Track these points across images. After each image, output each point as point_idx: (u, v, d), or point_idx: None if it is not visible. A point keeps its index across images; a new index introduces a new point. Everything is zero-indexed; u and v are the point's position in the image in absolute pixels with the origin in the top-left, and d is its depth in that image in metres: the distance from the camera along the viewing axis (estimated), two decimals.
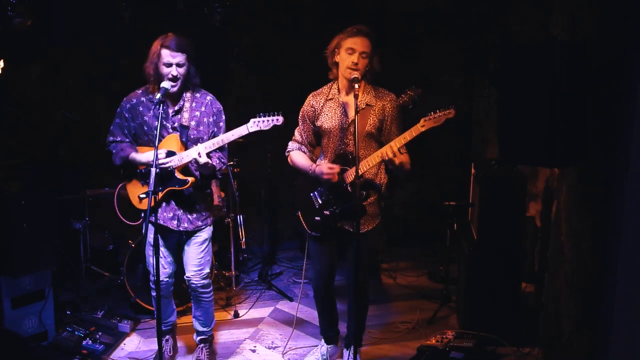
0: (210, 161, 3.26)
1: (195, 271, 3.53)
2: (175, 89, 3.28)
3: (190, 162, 3.29)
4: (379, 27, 3.39)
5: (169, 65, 3.23)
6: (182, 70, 3.27)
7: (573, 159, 2.81)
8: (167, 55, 3.22)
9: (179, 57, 3.23)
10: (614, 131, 2.52)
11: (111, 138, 3.48)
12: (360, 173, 3.16)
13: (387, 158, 3.11)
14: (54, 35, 4.64)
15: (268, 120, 3.20)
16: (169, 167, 3.30)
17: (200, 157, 3.20)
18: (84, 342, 3.88)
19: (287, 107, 3.85)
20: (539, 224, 4.32)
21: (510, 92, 2.91)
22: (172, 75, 3.23)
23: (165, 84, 3.19)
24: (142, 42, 3.40)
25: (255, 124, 3.21)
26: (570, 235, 3.30)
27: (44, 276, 3.93)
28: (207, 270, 3.57)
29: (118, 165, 3.45)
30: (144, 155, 3.36)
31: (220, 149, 3.43)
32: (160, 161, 3.18)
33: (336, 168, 3.26)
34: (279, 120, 3.21)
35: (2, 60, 4.29)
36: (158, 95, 3.09)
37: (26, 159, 4.96)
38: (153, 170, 2.93)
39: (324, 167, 3.28)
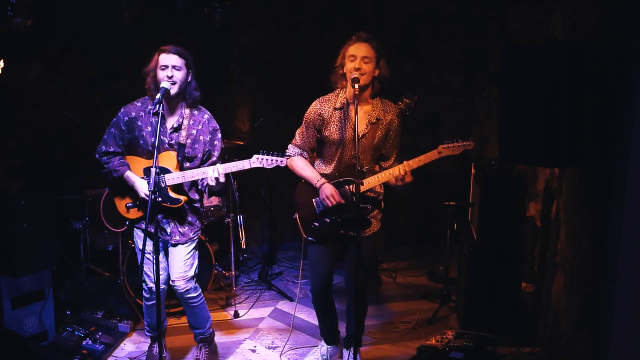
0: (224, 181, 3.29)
1: (179, 274, 3.50)
2: (174, 91, 3.24)
3: (202, 178, 3.32)
4: (379, 28, 3.39)
5: (165, 67, 3.22)
6: (178, 74, 3.24)
7: (573, 159, 2.81)
8: (163, 58, 3.23)
9: (175, 60, 3.23)
10: (614, 131, 2.52)
11: (104, 148, 3.45)
12: (369, 187, 3.23)
13: (400, 176, 3.15)
14: (54, 35, 4.63)
15: (272, 160, 3.23)
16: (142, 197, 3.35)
17: (220, 176, 3.22)
18: (84, 342, 3.88)
19: (287, 107, 3.87)
20: (539, 224, 4.32)
21: (510, 92, 2.92)
22: (168, 76, 3.21)
23: (165, 84, 3.18)
24: (142, 42, 3.41)
25: (258, 161, 3.24)
26: (570, 235, 3.30)
27: (44, 276, 3.93)
28: (192, 273, 3.55)
29: (110, 181, 3.47)
30: (137, 183, 3.36)
31: (215, 164, 3.45)
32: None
33: (338, 200, 3.26)
34: (282, 162, 3.25)
35: (2, 60, 4.29)
36: (158, 95, 3.08)
37: (26, 159, 4.96)
38: (153, 170, 2.95)
39: (329, 192, 3.27)
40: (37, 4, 4.24)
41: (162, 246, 3.55)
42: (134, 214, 3.45)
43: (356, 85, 3.09)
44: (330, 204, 3.26)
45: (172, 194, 3.37)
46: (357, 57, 3.16)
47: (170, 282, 3.54)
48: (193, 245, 3.55)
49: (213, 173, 3.24)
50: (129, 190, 3.43)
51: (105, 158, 3.45)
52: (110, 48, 5.11)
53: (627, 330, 2.40)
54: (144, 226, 3.46)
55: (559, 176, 3.70)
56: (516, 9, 4.83)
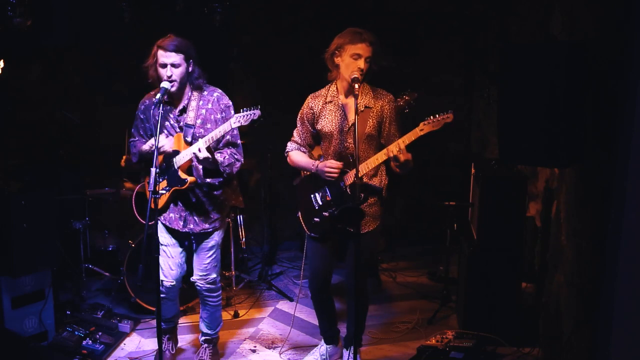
0: (210, 156, 3.24)
1: (200, 276, 3.53)
2: (173, 88, 3.26)
3: (191, 158, 3.29)
4: (379, 28, 3.39)
5: (164, 65, 3.22)
6: (177, 71, 3.23)
7: (573, 159, 2.81)
8: (161, 55, 3.22)
9: (174, 58, 3.21)
10: (614, 131, 2.52)
11: (131, 140, 3.56)
12: (360, 175, 3.17)
13: (392, 155, 3.13)
14: (54, 35, 4.63)
15: (247, 115, 3.17)
16: (165, 150, 3.31)
17: (200, 151, 3.19)
18: (84, 342, 3.88)
19: (287, 107, 3.87)
20: (539, 224, 4.32)
21: (510, 92, 2.92)
22: (167, 76, 3.21)
23: (165, 84, 3.19)
24: (142, 42, 3.41)
25: (237, 120, 3.19)
26: (570, 235, 3.30)
27: (44, 276, 3.93)
28: (214, 275, 3.56)
29: (135, 162, 3.50)
30: (146, 144, 3.37)
31: (234, 145, 3.43)
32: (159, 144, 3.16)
33: (338, 165, 3.26)
34: (255, 114, 3.18)
35: (2, 60, 4.29)
36: (158, 96, 3.09)
37: (26, 159, 4.96)
38: (153, 170, 2.92)
39: (327, 164, 3.29)
40: (37, 3, 4.24)
41: (182, 243, 3.54)
42: (159, 202, 3.40)
43: (356, 85, 3.10)
44: (333, 177, 3.27)
45: (181, 175, 3.34)
46: (362, 57, 3.17)
47: (191, 279, 3.56)
48: (214, 245, 3.52)
49: (194, 149, 3.22)
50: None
51: (131, 144, 3.54)
52: (110, 48, 5.11)
53: (627, 330, 2.40)
54: (162, 219, 3.46)
55: (559, 176, 3.70)
56: (516, 9, 4.83)
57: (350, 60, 3.18)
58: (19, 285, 3.80)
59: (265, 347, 4.03)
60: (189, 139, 3.34)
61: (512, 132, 2.91)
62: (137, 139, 3.52)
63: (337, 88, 3.38)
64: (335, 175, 3.27)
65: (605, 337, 2.47)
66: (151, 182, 2.91)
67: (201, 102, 3.38)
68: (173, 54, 3.21)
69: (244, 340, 4.12)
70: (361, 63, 3.16)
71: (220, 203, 3.53)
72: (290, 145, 3.55)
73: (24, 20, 4.13)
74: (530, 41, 4.26)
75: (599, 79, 2.79)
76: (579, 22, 3.26)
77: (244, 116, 3.18)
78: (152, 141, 3.35)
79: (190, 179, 3.35)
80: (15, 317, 3.78)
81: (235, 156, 3.42)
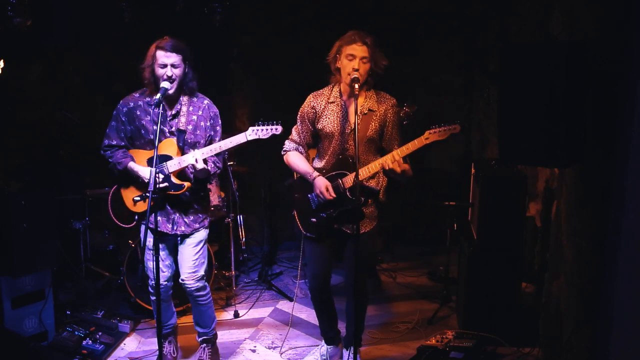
0: (206, 166, 3.29)
1: (189, 273, 3.50)
2: (172, 90, 3.26)
3: (186, 166, 3.31)
4: (379, 28, 3.40)
5: (164, 66, 3.22)
6: (177, 71, 3.25)
7: (573, 159, 2.81)
8: (161, 56, 3.22)
9: (174, 58, 3.23)
10: (614, 131, 2.52)
11: (107, 142, 3.46)
12: (360, 179, 3.18)
13: (388, 167, 3.15)
14: (54, 35, 4.63)
15: (267, 130, 3.22)
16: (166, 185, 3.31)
17: (197, 162, 3.24)
18: (84, 342, 3.88)
19: (287, 107, 3.87)
20: (539, 224, 4.32)
21: (510, 92, 2.92)
22: (167, 75, 3.21)
23: (165, 84, 3.19)
24: (142, 42, 3.41)
25: (254, 133, 3.23)
26: (570, 235, 3.30)
27: (44, 276, 3.93)
28: (202, 272, 3.55)
29: (117, 175, 3.47)
30: (141, 171, 3.35)
31: (216, 154, 3.45)
32: (160, 186, 3.20)
33: (331, 193, 3.26)
34: (277, 129, 3.24)
35: (2, 60, 4.29)
36: (158, 95, 3.09)
37: (26, 159, 4.96)
38: (153, 170, 2.94)
39: (323, 185, 3.28)
40: (37, 3, 4.24)
41: (170, 244, 3.54)
42: (141, 207, 3.42)
43: (356, 85, 3.11)
44: (324, 198, 3.28)
45: (175, 180, 3.34)
46: (357, 57, 3.18)
47: (180, 281, 3.55)
48: (201, 241, 3.53)
49: (191, 160, 3.25)
50: (135, 183, 3.43)
51: (109, 152, 3.46)
52: (110, 48, 5.11)
53: (627, 330, 2.40)
54: (147, 222, 3.45)
55: (559, 176, 3.70)
56: (516, 9, 4.83)
57: (346, 62, 3.20)
58: (19, 285, 3.80)
59: (265, 347, 4.03)
60: (180, 144, 3.36)
61: (512, 132, 2.91)
62: (114, 142, 3.45)
63: (340, 90, 3.38)
64: (325, 199, 3.27)
65: (605, 337, 2.47)
66: (151, 182, 2.92)
67: (191, 108, 3.40)
68: (173, 54, 3.23)
69: (244, 340, 4.12)
70: (356, 63, 3.17)
71: (206, 203, 3.60)
72: (288, 144, 3.53)
73: (24, 20, 4.14)
74: (530, 41, 4.26)
75: (599, 79, 2.79)
76: (579, 22, 3.26)
77: (263, 130, 3.22)
78: (146, 172, 3.32)
79: (187, 184, 3.36)
80: (15, 317, 3.78)
81: (218, 164, 3.49)
